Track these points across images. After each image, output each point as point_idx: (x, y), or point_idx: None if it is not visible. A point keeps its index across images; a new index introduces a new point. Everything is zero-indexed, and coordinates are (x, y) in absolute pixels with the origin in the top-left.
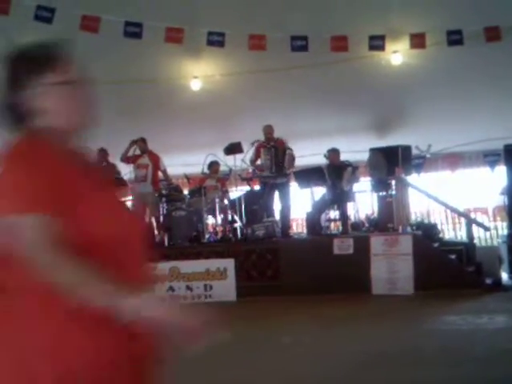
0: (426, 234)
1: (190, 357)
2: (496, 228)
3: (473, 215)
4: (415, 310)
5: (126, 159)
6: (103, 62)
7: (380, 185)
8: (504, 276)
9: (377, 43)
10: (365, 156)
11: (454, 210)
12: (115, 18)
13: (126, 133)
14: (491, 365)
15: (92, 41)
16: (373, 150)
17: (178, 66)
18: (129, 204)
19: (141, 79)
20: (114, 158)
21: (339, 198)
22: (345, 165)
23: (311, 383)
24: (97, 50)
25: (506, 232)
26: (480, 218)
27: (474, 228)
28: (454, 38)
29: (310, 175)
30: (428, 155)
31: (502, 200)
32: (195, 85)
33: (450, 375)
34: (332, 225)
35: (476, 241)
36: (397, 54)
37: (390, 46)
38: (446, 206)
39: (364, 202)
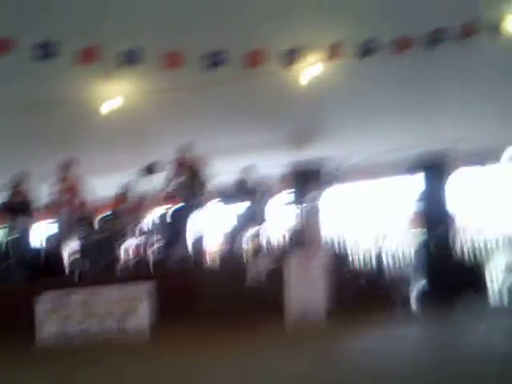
0: (339, 257)
1: None
2: (414, 235)
3: (391, 223)
4: (327, 337)
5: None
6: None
7: (297, 201)
8: (412, 297)
9: (292, 56)
10: (284, 170)
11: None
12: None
13: (39, 158)
14: None
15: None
16: (290, 166)
17: (91, 86)
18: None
19: (51, 102)
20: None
21: (256, 216)
22: (255, 188)
23: None
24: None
25: (423, 238)
26: (400, 225)
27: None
28: (368, 48)
29: (231, 192)
30: (345, 167)
31: (419, 207)
32: (110, 105)
33: None
34: (250, 244)
35: (385, 263)
36: (313, 67)
37: (306, 59)
38: (358, 224)
39: (283, 218)
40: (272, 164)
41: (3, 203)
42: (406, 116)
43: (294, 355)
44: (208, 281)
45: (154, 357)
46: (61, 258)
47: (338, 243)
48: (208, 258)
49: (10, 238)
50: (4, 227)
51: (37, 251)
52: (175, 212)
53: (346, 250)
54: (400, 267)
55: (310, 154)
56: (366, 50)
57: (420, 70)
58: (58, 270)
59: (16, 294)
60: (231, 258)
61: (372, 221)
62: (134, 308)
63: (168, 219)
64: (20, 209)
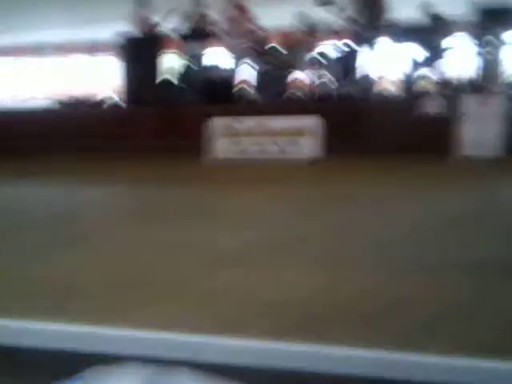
0: None
1: None
2: None
3: None
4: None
5: None
6: None
7: (479, 42)
8: None
9: None
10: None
11: None
12: None
13: None
14: None
15: None
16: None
17: None
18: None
19: None
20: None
21: (433, 55)
22: (433, 25)
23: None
24: None
25: None
26: None
27: None
28: None
29: (404, 30)
30: None
31: None
32: None
33: None
34: (424, 83)
35: None
36: None
37: None
38: None
39: (462, 57)
40: (452, 3)
41: (179, 30)
42: None
43: (461, 192)
44: (376, 117)
45: (314, 182)
46: (231, 86)
47: None
48: (378, 94)
49: (185, 63)
50: (179, 53)
51: (209, 77)
52: (347, 46)
53: None
54: None
55: None
56: None
57: None
58: (227, 96)
59: (188, 117)
60: (403, 95)
61: None
62: (298, 139)
63: (339, 53)
64: (194, 36)
